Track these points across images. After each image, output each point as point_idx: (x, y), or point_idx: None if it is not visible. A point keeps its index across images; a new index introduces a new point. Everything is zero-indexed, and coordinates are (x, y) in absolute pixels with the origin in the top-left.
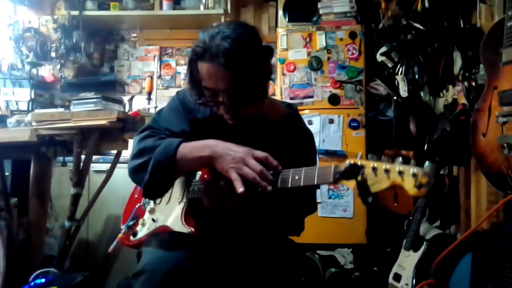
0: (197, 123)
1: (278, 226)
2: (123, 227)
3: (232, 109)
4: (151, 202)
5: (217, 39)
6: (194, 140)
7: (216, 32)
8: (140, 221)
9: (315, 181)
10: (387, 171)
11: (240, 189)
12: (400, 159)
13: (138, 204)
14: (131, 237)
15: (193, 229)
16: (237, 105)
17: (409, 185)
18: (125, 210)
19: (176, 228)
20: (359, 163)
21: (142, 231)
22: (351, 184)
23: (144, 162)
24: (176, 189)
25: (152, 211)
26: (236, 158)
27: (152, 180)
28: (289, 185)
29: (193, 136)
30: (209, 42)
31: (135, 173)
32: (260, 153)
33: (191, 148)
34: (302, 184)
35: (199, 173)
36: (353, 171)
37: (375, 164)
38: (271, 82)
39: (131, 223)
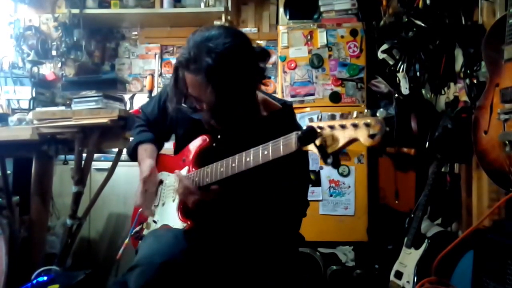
0: (181, 112)
1: (271, 221)
2: (129, 232)
3: (216, 116)
4: (152, 205)
5: (202, 52)
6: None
7: (203, 42)
8: (144, 225)
9: (281, 151)
10: (343, 126)
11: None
12: (356, 112)
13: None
14: (140, 242)
15: (188, 223)
16: (219, 115)
17: (363, 137)
18: (132, 215)
19: (174, 225)
20: (316, 125)
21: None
22: (313, 148)
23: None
24: (169, 189)
25: (153, 214)
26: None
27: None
28: (261, 161)
29: (173, 123)
30: (194, 54)
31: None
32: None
33: (138, 154)
34: (271, 157)
35: (186, 168)
36: (310, 135)
37: (332, 123)
38: (271, 79)
39: (137, 228)
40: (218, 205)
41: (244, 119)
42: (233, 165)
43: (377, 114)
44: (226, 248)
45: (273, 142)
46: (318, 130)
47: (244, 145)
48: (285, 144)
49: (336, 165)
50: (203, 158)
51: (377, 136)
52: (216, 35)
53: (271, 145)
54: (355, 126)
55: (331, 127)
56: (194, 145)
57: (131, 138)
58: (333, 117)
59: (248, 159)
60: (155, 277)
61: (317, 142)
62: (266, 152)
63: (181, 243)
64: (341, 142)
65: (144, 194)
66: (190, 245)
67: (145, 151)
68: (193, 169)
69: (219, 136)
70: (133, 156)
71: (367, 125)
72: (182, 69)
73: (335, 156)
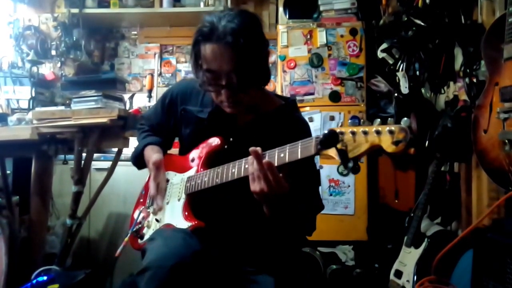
0: (188, 113)
1: (286, 226)
2: (129, 230)
3: (234, 93)
4: (155, 203)
5: (224, 20)
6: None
7: (223, 15)
8: (145, 223)
9: (299, 155)
10: (365, 133)
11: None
12: (379, 120)
13: (142, 207)
14: (139, 240)
15: (194, 223)
16: (241, 87)
17: (386, 143)
18: (132, 214)
19: (178, 224)
20: (337, 130)
21: (148, 233)
22: (332, 152)
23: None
24: (175, 188)
25: (155, 212)
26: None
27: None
28: (276, 164)
29: (177, 124)
30: (217, 22)
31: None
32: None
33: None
34: (287, 160)
35: (194, 168)
36: (332, 139)
37: (354, 129)
38: (271, 79)
39: (137, 227)
40: (226, 205)
41: (251, 110)
42: (246, 166)
43: (401, 123)
44: (233, 248)
45: (290, 145)
46: (340, 135)
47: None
48: (304, 147)
49: (356, 170)
50: (213, 160)
51: (401, 143)
52: (231, 10)
53: (289, 148)
54: (378, 132)
55: (353, 133)
56: (206, 145)
57: (131, 138)
58: (354, 124)
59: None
60: (166, 281)
61: (338, 146)
62: (282, 155)
63: (191, 244)
64: (363, 148)
65: (158, 185)
66: (200, 246)
67: (152, 150)
68: (202, 169)
69: (231, 139)
70: (139, 162)
71: (391, 132)
72: (203, 41)
73: (355, 162)
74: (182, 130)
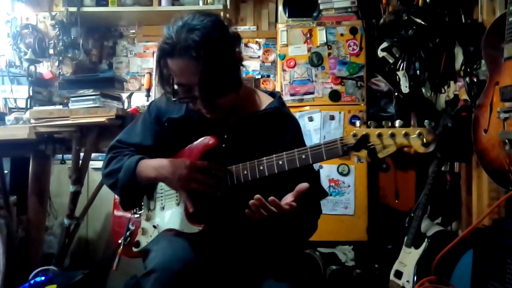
0: (173, 122)
1: (288, 231)
2: (120, 241)
3: (208, 102)
4: (144, 209)
5: (184, 33)
6: (169, 140)
7: (182, 26)
8: (139, 230)
9: (324, 157)
10: (392, 135)
11: (190, 209)
12: (398, 121)
13: (130, 216)
14: (134, 248)
15: (203, 227)
16: (212, 96)
17: (417, 145)
18: (114, 227)
19: (184, 229)
20: (364, 133)
21: (144, 240)
22: (363, 154)
23: (113, 183)
24: (168, 192)
25: (149, 218)
26: (182, 176)
27: (125, 199)
28: (298, 165)
29: (168, 138)
30: (176, 37)
31: (112, 190)
32: (201, 164)
33: (144, 168)
34: (311, 161)
35: None
36: (363, 142)
37: (380, 131)
38: (271, 78)
39: (127, 234)
40: (227, 207)
41: (240, 111)
42: (261, 167)
43: (425, 125)
44: (236, 250)
45: (311, 147)
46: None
47: (252, 146)
48: (329, 149)
49: (387, 169)
50: (207, 160)
51: (432, 144)
52: (190, 17)
53: (310, 150)
54: (406, 135)
55: (379, 135)
56: (198, 145)
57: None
58: (379, 126)
59: (281, 162)
60: (173, 283)
61: (370, 147)
62: (304, 157)
63: (197, 247)
64: (392, 149)
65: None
66: (205, 249)
67: (149, 161)
68: None
69: (225, 136)
70: (135, 185)
71: (420, 134)
72: (166, 57)
73: (385, 161)
74: (171, 140)
